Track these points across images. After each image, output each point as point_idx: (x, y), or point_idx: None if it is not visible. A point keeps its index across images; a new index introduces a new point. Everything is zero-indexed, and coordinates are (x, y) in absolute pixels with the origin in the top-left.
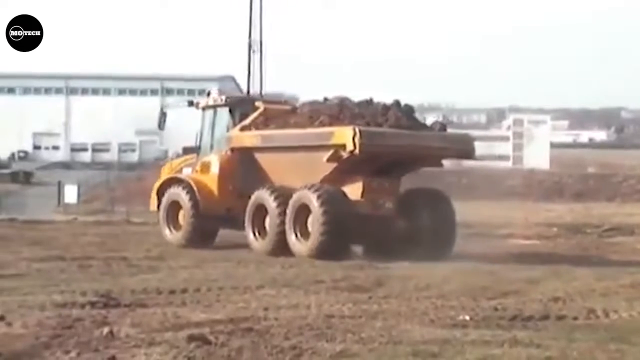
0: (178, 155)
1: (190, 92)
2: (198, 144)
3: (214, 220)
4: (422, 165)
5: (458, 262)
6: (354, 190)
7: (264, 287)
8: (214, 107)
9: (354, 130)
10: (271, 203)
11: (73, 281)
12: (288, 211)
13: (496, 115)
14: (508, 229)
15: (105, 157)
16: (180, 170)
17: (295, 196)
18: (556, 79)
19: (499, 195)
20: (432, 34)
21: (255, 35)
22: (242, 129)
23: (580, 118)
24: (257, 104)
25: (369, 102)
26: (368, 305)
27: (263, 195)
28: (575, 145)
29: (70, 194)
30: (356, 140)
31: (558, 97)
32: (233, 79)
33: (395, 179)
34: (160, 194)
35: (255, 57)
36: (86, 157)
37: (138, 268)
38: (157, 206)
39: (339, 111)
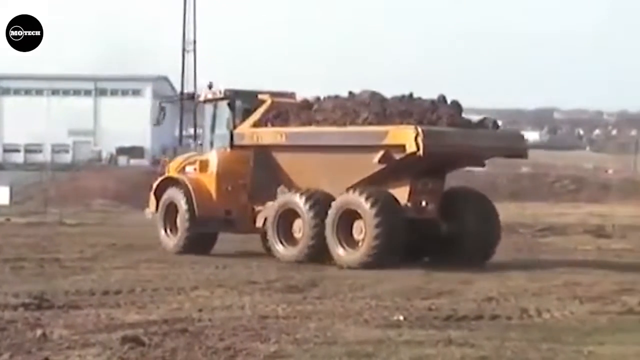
0: (112, 156)
1: (124, 92)
2: (200, 140)
3: (212, 224)
4: (466, 164)
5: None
6: (400, 193)
7: (198, 288)
8: (214, 100)
9: (417, 130)
10: (305, 208)
11: (5, 283)
12: (330, 217)
13: None
14: None
15: (38, 158)
16: (183, 169)
17: (339, 200)
18: (489, 78)
19: None
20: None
21: (189, 36)
22: (255, 124)
23: (514, 118)
24: (261, 97)
25: (410, 98)
26: (302, 306)
27: (293, 200)
28: None
29: (2, 195)
30: (419, 140)
31: (491, 97)
32: (167, 79)
33: (439, 179)
34: (158, 194)
35: (189, 57)
36: (19, 158)
37: (71, 269)
38: (156, 208)
39: (384, 108)
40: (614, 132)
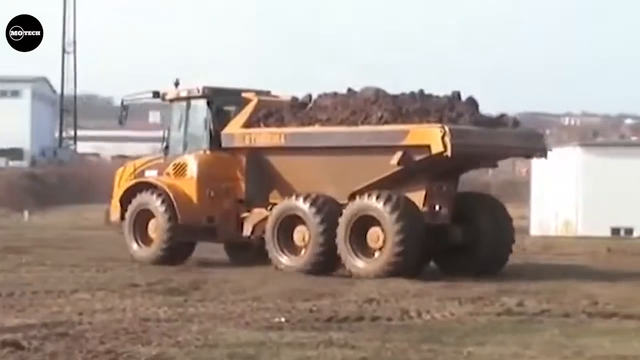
0: None
1: (3, 93)
2: (165, 142)
3: (192, 232)
4: (481, 166)
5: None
6: (415, 198)
7: (79, 291)
8: (187, 99)
9: (443, 129)
10: (311, 214)
11: None
12: (342, 224)
13: None
14: None
15: None
16: (142, 174)
17: (352, 206)
18: (373, 78)
19: None
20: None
21: (69, 36)
22: (245, 125)
23: None
24: (246, 95)
25: (422, 94)
26: (184, 309)
27: (296, 205)
28: None
29: None
30: (446, 140)
31: None
32: (46, 80)
33: (452, 182)
34: (124, 202)
35: (69, 58)
36: None
37: None
38: (121, 216)
39: (398, 106)
40: None
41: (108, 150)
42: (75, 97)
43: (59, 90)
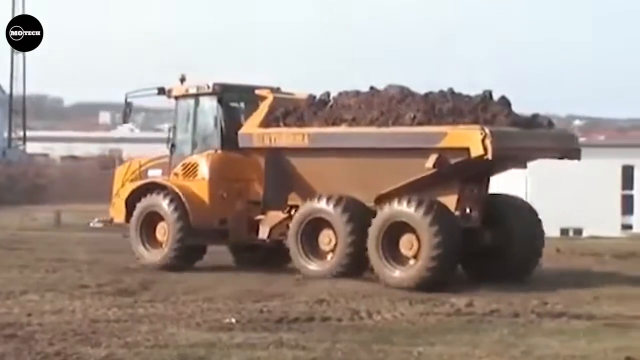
0: None
1: None
2: (172, 141)
3: (204, 235)
4: (512, 167)
5: (225, 267)
6: (447, 202)
7: (28, 292)
8: (196, 96)
9: (484, 131)
10: (339, 218)
11: None
12: (374, 231)
13: None
14: None
15: None
16: (145, 173)
17: (385, 211)
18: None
19: None
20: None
21: None
22: (262, 124)
23: None
24: (261, 92)
25: (453, 93)
26: (134, 310)
27: (322, 208)
28: None
29: None
30: (487, 142)
31: None
32: None
33: (483, 185)
34: (130, 203)
35: (19, 58)
36: None
37: None
38: (126, 218)
39: (431, 105)
40: None
41: (57, 150)
42: (24, 97)
43: (7, 91)
